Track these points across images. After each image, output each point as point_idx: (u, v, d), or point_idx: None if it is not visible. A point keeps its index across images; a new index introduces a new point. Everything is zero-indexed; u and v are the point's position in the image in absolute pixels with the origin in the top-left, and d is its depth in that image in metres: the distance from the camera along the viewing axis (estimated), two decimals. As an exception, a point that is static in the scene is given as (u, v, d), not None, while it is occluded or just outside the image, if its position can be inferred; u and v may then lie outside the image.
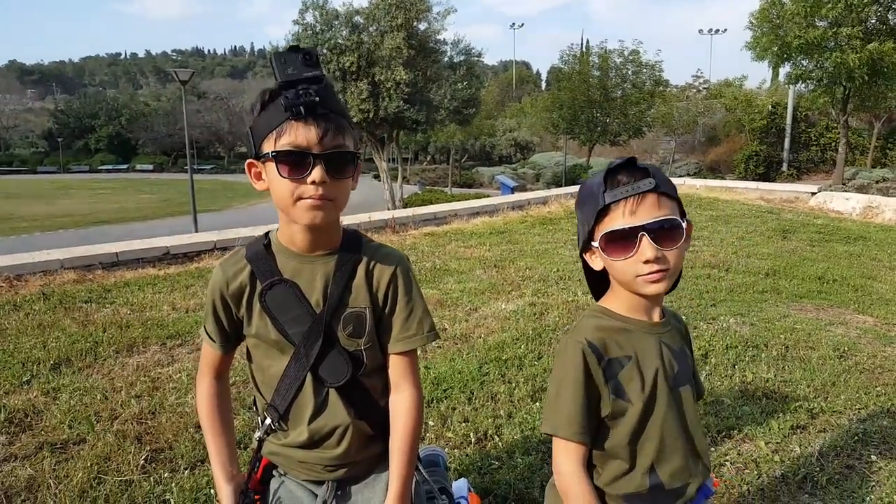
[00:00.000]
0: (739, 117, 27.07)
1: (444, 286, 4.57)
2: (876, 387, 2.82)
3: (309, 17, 12.55)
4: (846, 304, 4.27)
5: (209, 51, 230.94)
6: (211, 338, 1.28)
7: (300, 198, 1.13)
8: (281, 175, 1.13)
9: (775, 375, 2.90)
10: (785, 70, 18.44)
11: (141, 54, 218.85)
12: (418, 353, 1.32)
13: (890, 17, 16.23)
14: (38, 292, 4.37)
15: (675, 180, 9.90)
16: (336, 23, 12.41)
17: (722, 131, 29.65)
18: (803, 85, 19.23)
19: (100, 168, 58.34)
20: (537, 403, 2.56)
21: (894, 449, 2.30)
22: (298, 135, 1.11)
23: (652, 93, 26.38)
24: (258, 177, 1.20)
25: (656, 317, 1.17)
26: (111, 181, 47.48)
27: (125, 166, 58.62)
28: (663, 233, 1.08)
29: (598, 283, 1.24)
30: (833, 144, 24.09)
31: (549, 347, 3.25)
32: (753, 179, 26.40)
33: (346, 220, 5.82)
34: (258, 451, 1.33)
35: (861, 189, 16.98)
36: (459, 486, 1.66)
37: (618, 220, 1.09)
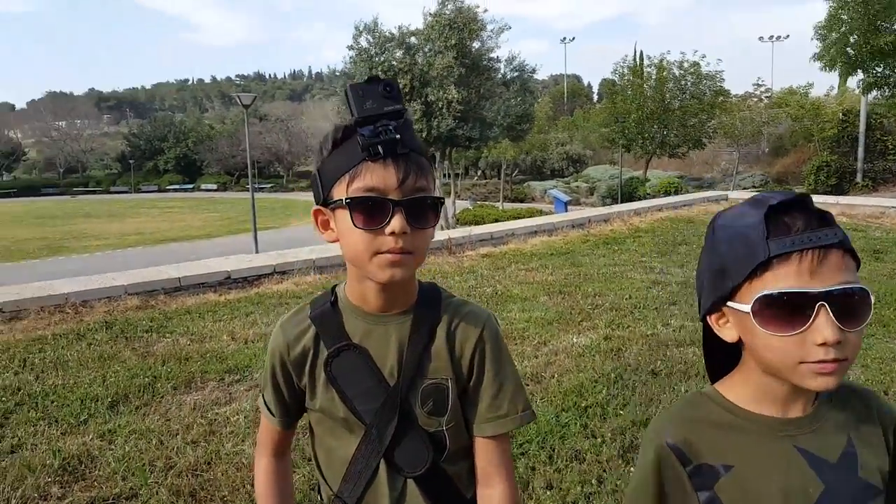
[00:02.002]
0: (807, 126, 25.81)
1: (508, 315, 4.33)
2: None
3: (363, 42, 12.62)
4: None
5: (269, 75, 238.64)
6: (270, 411, 1.09)
7: (377, 252, 0.95)
8: (355, 225, 0.94)
9: None
10: (857, 77, 17.50)
11: (207, 79, 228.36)
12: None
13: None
14: (101, 320, 4.36)
15: (737, 193, 9.44)
16: (390, 45, 12.44)
17: (789, 141, 28.37)
18: (878, 92, 18.21)
19: (167, 188, 60.84)
20: (630, 466, 2.27)
21: None
22: (376, 178, 0.93)
23: (712, 103, 25.53)
24: (325, 226, 1.01)
25: (796, 411, 0.85)
26: (178, 200, 49.32)
27: (191, 186, 60.94)
28: (849, 306, 0.77)
29: (722, 357, 0.91)
30: (914, 152, 22.71)
31: (633, 393, 2.95)
32: (825, 191, 25.07)
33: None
34: None
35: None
36: None
37: (789, 279, 0.77)
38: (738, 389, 0.87)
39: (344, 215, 0.94)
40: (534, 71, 16.81)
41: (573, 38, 65.66)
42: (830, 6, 16.21)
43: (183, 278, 5.37)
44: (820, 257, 0.77)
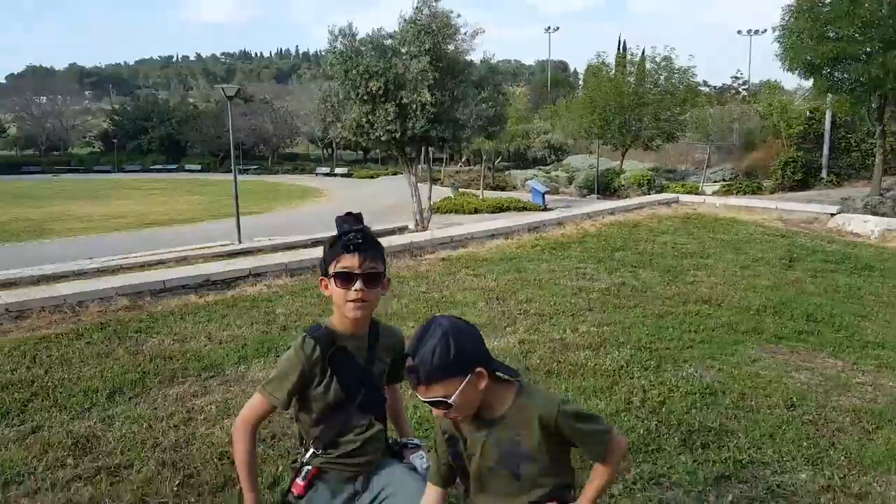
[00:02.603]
0: (775, 123, 26.70)
1: (449, 319, 5.05)
2: (809, 439, 3.15)
3: (339, 45, 13.18)
4: (823, 346, 4.57)
5: (256, 53, 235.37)
6: (278, 404, 1.92)
7: (348, 300, 1.88)
8: (336, 286, 1.89)
9: (720, 425, 3.26)
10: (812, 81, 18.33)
11: (192, 57, 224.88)
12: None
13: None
14: (96, 321, 5.04)
15: (695, 198, 10.19)
16: (364, 49, 13.01)
17: (758, 137, 29.28)
18: (832, 96, 19.07)
19: (151, 168, 60.63)
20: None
21: (800, 502, 2.69)
22: (348, 262, 1.87)
23: (685, 98, 26.32)
24: (325, 287, 1.95)
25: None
26: (161, 181, 49.33)
27: (174, 166, 60.76)
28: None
29: None
30: (874, 150, 23.62)
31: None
32: (791, 186, 26.04)
33: (374, 228, 6.43)
34: (301, 467, 1.99)
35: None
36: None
37: None
38: None
39: (332, 281, 1.91)
40: (506, 72, 17.42)
41: (557, 28, 65.93)
42: (782, 14, 17.03)
43: (167, 281, 6.05)
44: (416, 388, 1.56)
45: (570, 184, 33.24)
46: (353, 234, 1.89)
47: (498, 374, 1.61)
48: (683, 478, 2.78)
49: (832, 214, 10.27)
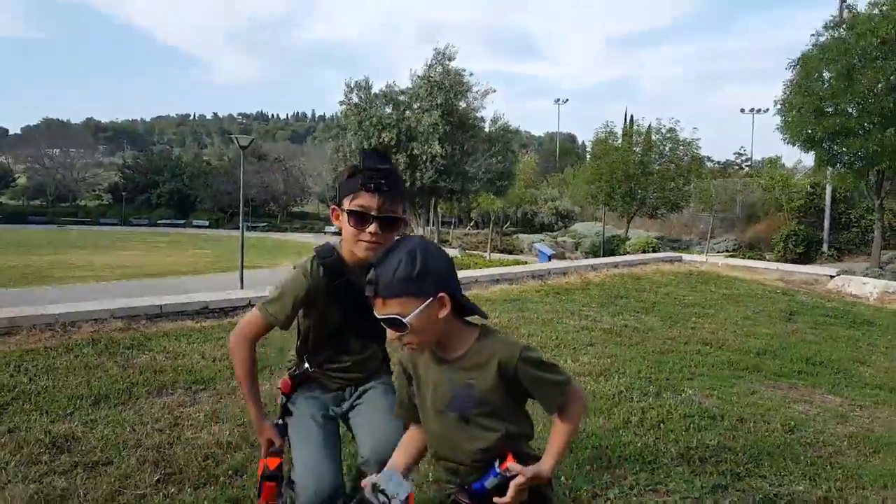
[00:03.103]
0: (777, 196, 27.04)
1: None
2: (809, 457, 3.08)
3: (354, 97, 13.59)
4: (821, 384, 4.50)
5: (273, 115, 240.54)
6: (279, 323, 1.87)
7: (360, 240, 1.81)
8: (350, 224, 1.81)
9: (719, 443, 3.20)
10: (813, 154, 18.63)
11: (209, 116, 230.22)
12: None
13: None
14: (88, 338, 4.97)
15: (698, 257, 10.18)
16: (379, 102, 13.40)
17: (761, 209, 29.56)
18: (832, 169, 19.34)
19: (158, 222, 61.07)
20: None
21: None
22: (365, 201, 1.78)
23: (689, 169, 26.76)
24: (336, 217, 1.88)
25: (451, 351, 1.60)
26: (169, 235, 49.74)
27: (182, 221, 61.21)
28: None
29: None
30: (874, 226, 23.79)
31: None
32: (793, 259, 26.07)
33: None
34: (295, 373, 2.01)
35: (899, 273, 16.79)
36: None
37: None
38: None
39: (346, 216, 1.82)
40: (516, 132, 17.91)
41: (566, 100, 68.20)
42: (783, 89, 17.49)
43: (164, 306, 6.00)
44: (372, 301, 1.45)
45: (577, 249, 33.37)
46: (376, 172, 1.78)
47: (465, 308, 1.50)
48: (680, 485, 2.68)
49: (832, 276, 10.24)
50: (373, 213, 1.77)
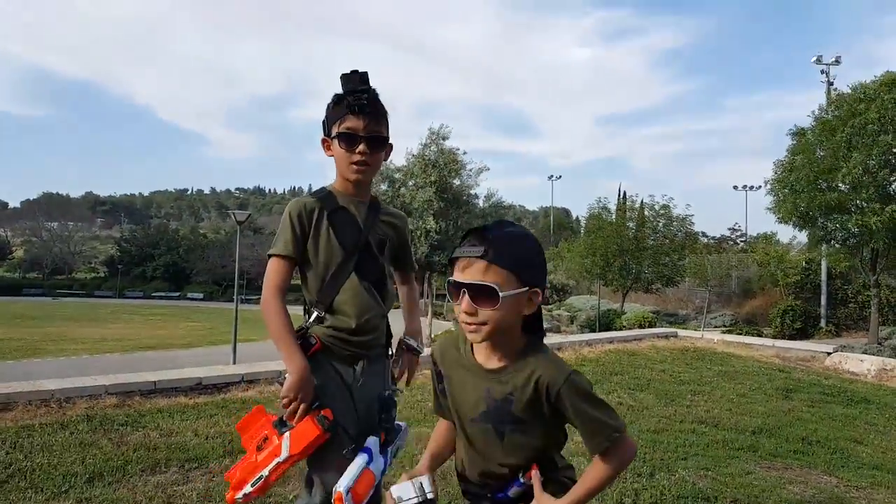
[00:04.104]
0: (773, 272, 27.30)
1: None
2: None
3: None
4: (817, 465, 4.48)
5: (270, 189, 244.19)
6: (290, 252, 1.92)
7: (351, 162, 1.89)
8: (340, 147, 1.91)
9: (714, 526, 3.18)
10: (807, 231, 18.86)
11: (206, 190, 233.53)
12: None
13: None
14: (83, 414, 4.96)
15: (694, 333, 10.23)
16: (374, 179, 13.79)
17: (756, 284, 29.77)
18: (826, 246, 19.56)
19: (153, 294, 60.94)
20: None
21: None
22: (352, 123, 1.87)
23: (683, 244, 27.13)
24: (328, 148, 1.98)
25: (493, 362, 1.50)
26: (163, 307, 49.57)
27: (176, 294, 61.11)
28: (481, 292, 1.33)
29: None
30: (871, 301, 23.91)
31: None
32: (790, 334, 26.06)
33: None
34: (306, 332, 1.99)
35: None
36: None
37: (455, 273, 1.39)
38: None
39: (335, 142, 1.92)
40: (510, 207, 18.32)
41: (560, 176, 69.92)
42: (776, 167, 17.92)
43: (158, 382, 6.00)
44: (467, 263, 1.35)
45: (572, 322, 33.33)
46: (358, 93, 1.85)
47: (535, 319, 1.44)
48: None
49: (828, 353, 10.27)
50: (361, 135, 1.87)
